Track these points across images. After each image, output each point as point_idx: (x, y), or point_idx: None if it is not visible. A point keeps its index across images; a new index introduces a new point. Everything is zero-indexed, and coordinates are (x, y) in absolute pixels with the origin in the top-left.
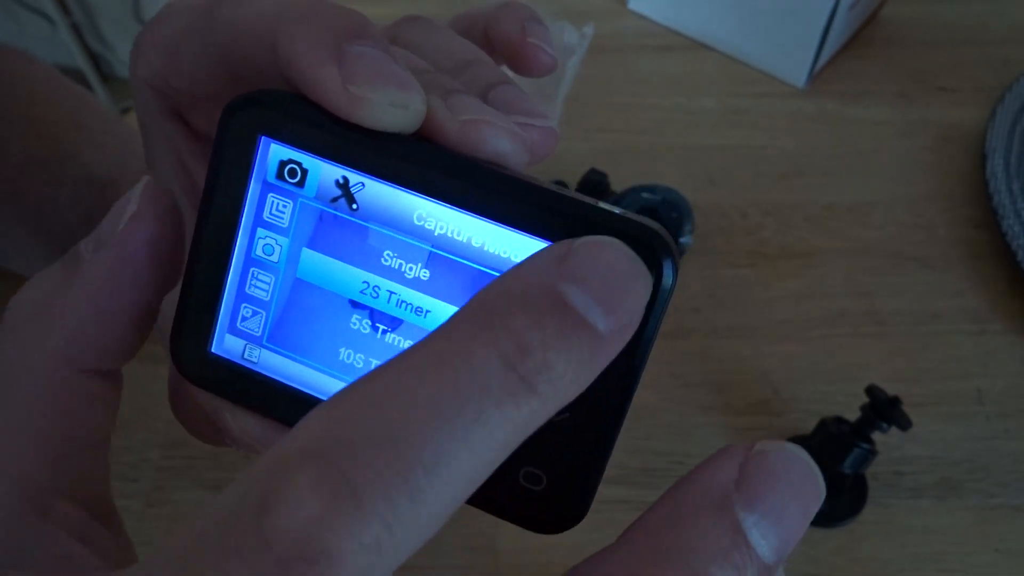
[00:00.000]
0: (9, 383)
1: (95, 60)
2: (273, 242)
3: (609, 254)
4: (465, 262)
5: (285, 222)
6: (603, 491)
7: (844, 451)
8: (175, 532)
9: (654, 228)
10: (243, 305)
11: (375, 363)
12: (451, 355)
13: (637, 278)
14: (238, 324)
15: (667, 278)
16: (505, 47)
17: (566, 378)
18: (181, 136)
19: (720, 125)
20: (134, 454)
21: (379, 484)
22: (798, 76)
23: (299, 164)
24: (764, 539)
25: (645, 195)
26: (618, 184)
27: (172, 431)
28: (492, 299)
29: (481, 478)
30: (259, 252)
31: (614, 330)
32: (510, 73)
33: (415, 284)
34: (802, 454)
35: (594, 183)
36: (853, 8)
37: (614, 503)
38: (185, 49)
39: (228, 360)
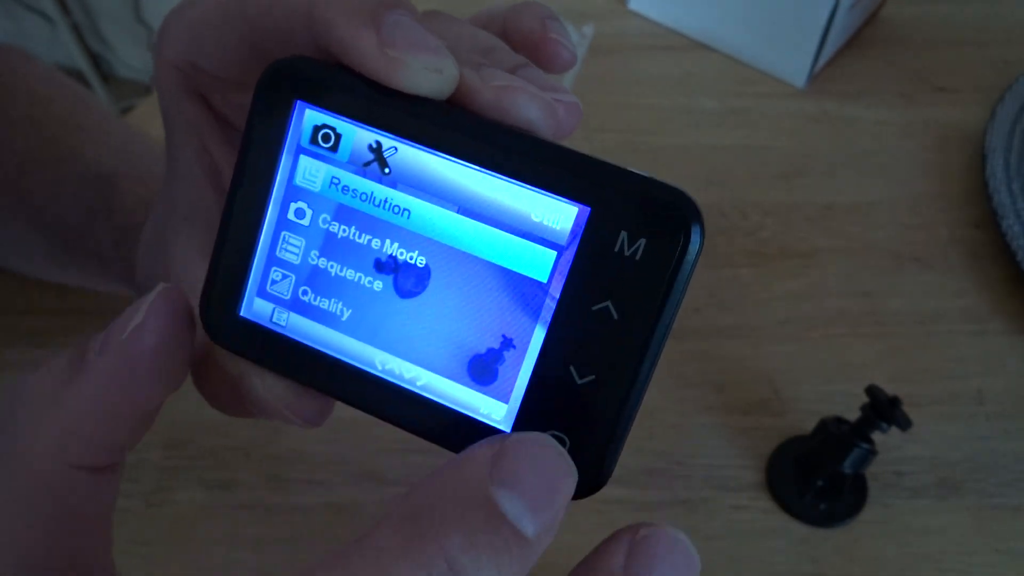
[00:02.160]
0: (5, 471)
1: (95, 60)
2: (305, 206)
3: (540, 453)
4: (495, 225)
5: (317, 186)
6: (604, 491)
7: (844, 451)
8: None
9: (681, 191)
10: (273, 269)
11: (400, 324)
12: (377, 574)
13: (566, 476)
14: (268, 288)
15: (694, 242)
16: (526, 43)
17: None
18: (204, 119)
19: (720, 125)
20: (134, 454)
21: None
22: (798, 76)
23: (333, 129)
24: None
25: None
26: None
27: (172, 431)
28: (424, 506)
29: None
30: (291, 216)
31: (542, 533)
32: None
33: (443, 247)
34: (680, 535)
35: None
36: (853, 8)
37: (615, 503)
38: (214, 30)
39: (257, 324)
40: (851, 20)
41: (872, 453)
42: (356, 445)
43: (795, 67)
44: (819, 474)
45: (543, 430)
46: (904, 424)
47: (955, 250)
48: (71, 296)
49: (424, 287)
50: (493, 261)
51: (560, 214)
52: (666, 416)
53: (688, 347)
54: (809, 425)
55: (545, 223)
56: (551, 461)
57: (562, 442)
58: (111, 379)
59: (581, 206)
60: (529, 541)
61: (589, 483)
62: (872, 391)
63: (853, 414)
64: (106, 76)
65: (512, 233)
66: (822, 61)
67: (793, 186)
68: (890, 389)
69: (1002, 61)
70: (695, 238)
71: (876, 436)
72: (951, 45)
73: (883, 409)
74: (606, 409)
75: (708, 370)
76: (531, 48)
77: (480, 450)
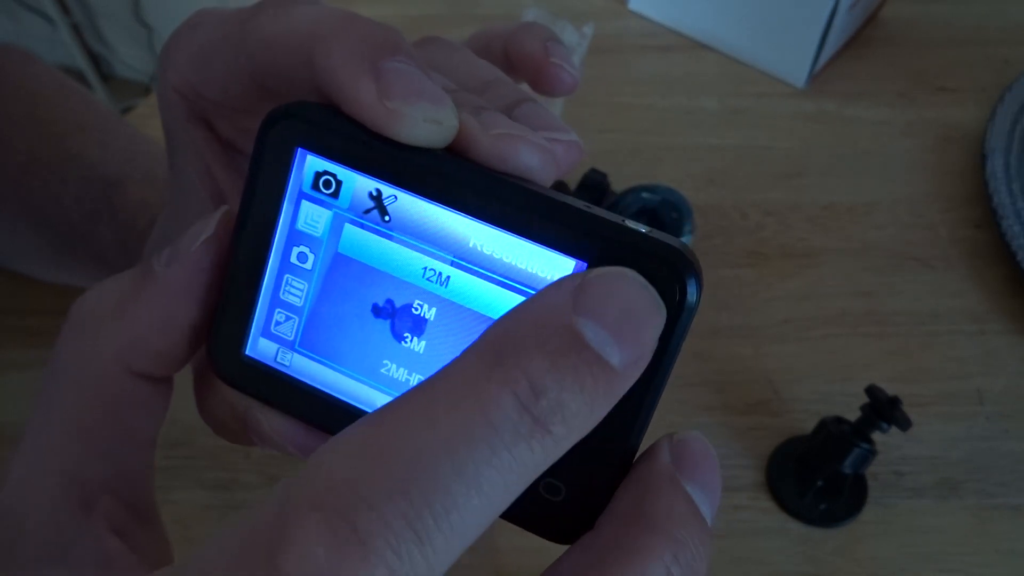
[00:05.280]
0: (66, 378)
1: (95, 60)
2: (307, 250)
3: (624, 286)
4: (492, 275)
5: (319, 231)
6: None
7: (844, 451)
8: (194, 554)
9: (678, 247)
10: (277, 310)
11: (400, 369)
12: (463, 396)
13: (652, 309)
14: (272, 328)
15: (691, 296)
16: (528, 67)
17: (580, 416)
18: (208, 143)
19: (720, 125)
20: None
21: (387, 533)
22: (798, 76)
23: (334, 176)
24: (703, 505)
25: (645, 195)
26: (618, 184)
27: (172, 431)
28: (506, 335)
29: (492, 518)
30: (294, 260)
31: (629, 364)
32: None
33: (442, 294)
34: (707, 441)
35: (594, 183)
36: (853, 8)
37: None
38: (216, 61)
39: (261, 363)
40: (851, 20)
41: (872, 453)
42: None
43: (795, 67)
44: (819, 474)
45: (538, 479)
46: (904, 424)
47: (955, 250)
48: (71, 296)
49: (421, 333)
50: (489, 315)
51: (556, 268)
52: (666, 416)
53: (688, 347)
54: (809, 425)
55: (541, 276)
56: (635, 294)
57: (557, 490)
58: (178, 288)
59: (577, 260)
60: (615, 370)
61: (582, 529)
62: (872, 391)
63: (853, 414)
64: (106, 76)
65: (509, 283)
66: (822, 61)
67: (793, 186)
68: (890, 389)
69: (1002, 61)
70: (691, 293)
71: (876, 436)
72: (951, 45)
73: (883, 409)
74: (601, 459)
75: (708, 370)
76: (533, 72)
77: (562, 283)
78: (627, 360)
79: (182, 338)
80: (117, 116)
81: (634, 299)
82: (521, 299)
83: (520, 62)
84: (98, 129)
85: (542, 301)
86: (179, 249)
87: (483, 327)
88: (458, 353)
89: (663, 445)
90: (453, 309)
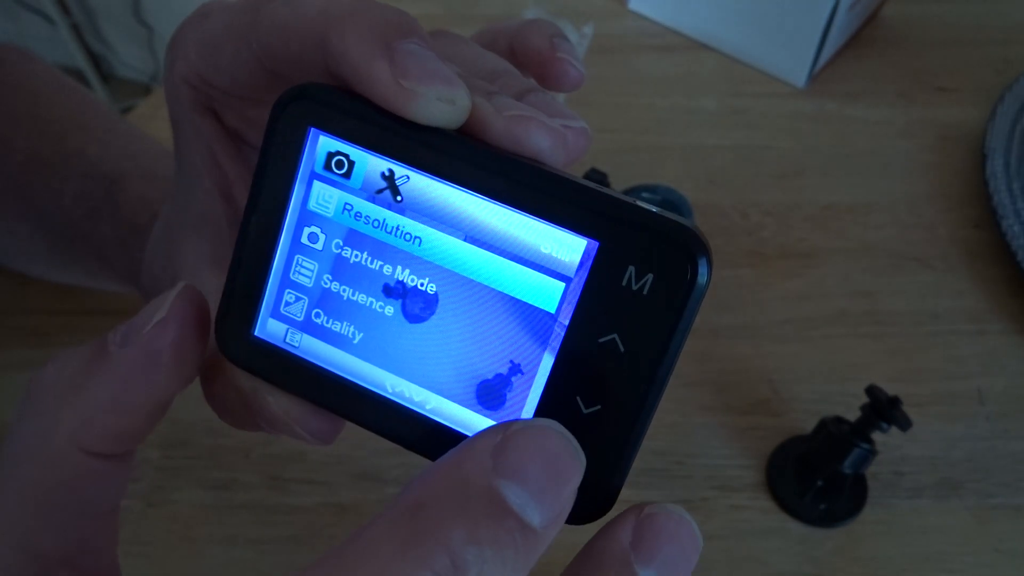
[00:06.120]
0: (21, 455)
1: (95, 60)
2: (318, 231)
3: (545, 440)
4: (504, 255)
5: (330, 212)
6: None
7: (844, 451)
8: None
9: (689, 226)
10: (287, 291)
11: (411, 349)
12: (377, 573)
13: (573, 462)
14: (281, 309)
15: (702, 276)
16: (534, 62)
17: None
18: (214, 132)
19: (720, 125)
20: None
21: None
22: (798, 76)
23: (346, 156)
24: None
25: (645, 195)
26: (618, 184)
27: (172, 431)
28: (424, 502)
29: None
30: (304, 240)
31: (549, 524)
32: None
33: (453, 275)
34: (684, 514)
35: (594, 183)
36: (853, 8)
37: (616, 503)
38: (226, 48)
39: (270, 344)
40: (851, 20)
41: (872, 453)
42: (356, 445)
43: (795, 67)
44: (819, 474)
45: None
46: (904, 424)
47: (955, 250)
48: (71, 296)
49: (432, 313)
50: (502, 290)
51: (568, 247)
52: (666, 416)
53: (688, 347)
54: (809, 425)
55: (554, 255)
56: (558, 448)
57: None
58: (132, 370)
59: (589, 240)
60: (536, 532)
61: (592, 510)
62: (872, 391)
63: (853, 414)
64: (106, 76)
65: (521, 263)
66: (822, 61)
67: (793, 186)
68: (890, 389)
69: (1002, 61)
70: (702, 273)
71: (876, 436)
72: (951, 45)
73: (883, 409)
74: (611, 440)
75: (708, 370)
76: (539, 67)
77: (482, 441)
78: (548, 520)
79: (136, 418)
80: (117, 114)
81: (556, 453)
82: (530, 271)
83: (526, 57)
84: (98, 127)
85: (463, 463)
86: (133, 329)
87: (494, 302)
88: (468, 331)
89: (626, 521)
90: (464, 286)
